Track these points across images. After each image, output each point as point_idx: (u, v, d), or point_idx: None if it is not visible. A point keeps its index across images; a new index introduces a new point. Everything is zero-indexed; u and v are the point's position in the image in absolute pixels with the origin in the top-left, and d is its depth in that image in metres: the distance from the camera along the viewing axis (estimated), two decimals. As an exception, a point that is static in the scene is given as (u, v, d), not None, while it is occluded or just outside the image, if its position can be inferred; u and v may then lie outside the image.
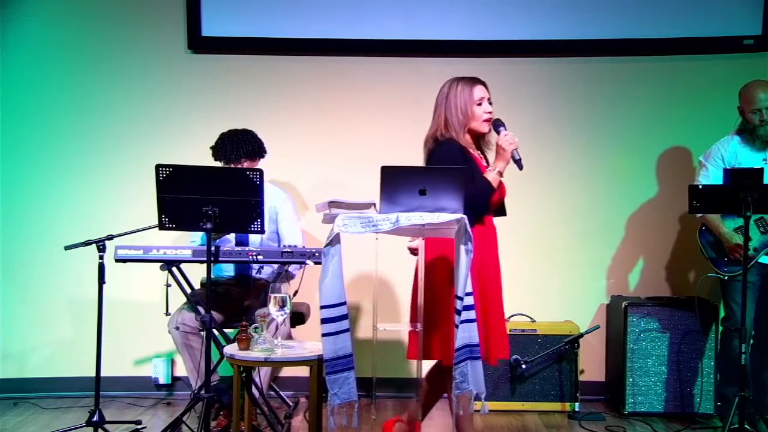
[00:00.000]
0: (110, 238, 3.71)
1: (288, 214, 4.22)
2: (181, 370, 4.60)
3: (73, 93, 4.72)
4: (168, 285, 3.71)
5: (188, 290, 3.80)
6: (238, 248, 3.77)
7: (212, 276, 3.48)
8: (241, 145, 4.06)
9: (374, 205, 3.08)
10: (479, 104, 3.32)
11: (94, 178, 4.72)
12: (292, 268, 3.98)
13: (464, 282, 2.97)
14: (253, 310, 3.83)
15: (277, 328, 3.53)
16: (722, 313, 4.21)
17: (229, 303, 4.06)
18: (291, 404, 4.35)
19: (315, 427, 3.26)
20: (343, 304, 2.99)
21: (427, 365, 3.35)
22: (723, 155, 4.08)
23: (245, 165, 4.05)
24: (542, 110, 4.72)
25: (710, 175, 4.08)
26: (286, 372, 4.66)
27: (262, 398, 3.81)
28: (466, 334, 3.02)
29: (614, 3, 4.63)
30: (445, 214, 2.97)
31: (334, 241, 2.95)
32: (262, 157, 4.15)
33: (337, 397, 2.99)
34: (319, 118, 4.73)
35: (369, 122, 4.73)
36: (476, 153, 3.38)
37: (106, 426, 3.74)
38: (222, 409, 3.97)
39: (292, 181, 4.71)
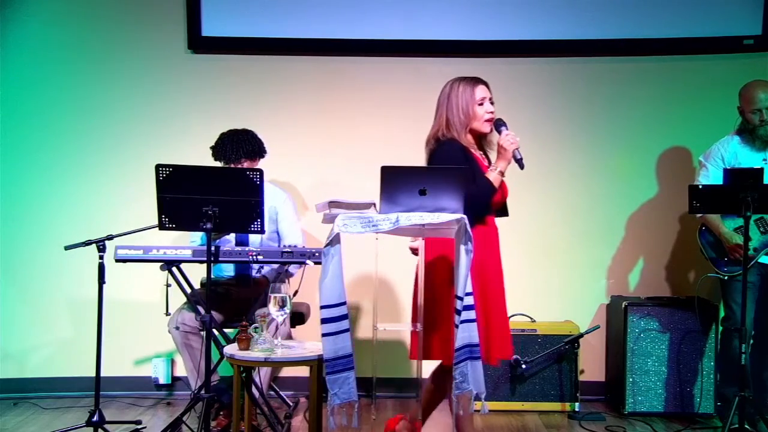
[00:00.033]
0: (110, 238, 3.71)
1: (288, 214, 4.22)
2: (181, 370, 4.59)
3: (73, 93, 4.72)
4: (168, 285, 3.71)
5: (188, 290, 3.80)
6: (238, 248, 3.77)
7: (212, 276, 3.48)
8: (241, 145, 4.06)
9: (374, 205, 3.08)
10: (481, 104, 3.32)
11: (94, 178, 4.72)
12: (291, 267, 3.98)
13: (464, 282, 2.97)
14: (253, 309, 3.82)
15: (277, 328, 3.53)
16: (722, 313, 4.21)
17: (229, 303, 4.06)
18: (291, 404, 4.35)
19: (315, 427, 3.26)
20: (343, 304, 2.99)
21: (428, 365, 3.34)
22: (723, 155, 4.08)
23: (245, 165, 4.05)
24: (542, 110, 4.72)
25: (710, 175, 4.08)
26: (286, 372, 4.66)
27: (262, 398, 3.81)
28: (466, 334, 3.01)
29: (614, 3, 4.63)
30: (445, 214, 2.97)
31: (334, 241, 2.95)
32: (262, 157, 4.15)
33: (337, 397, 2.98)
34: (319, 118, 4.73)
35: (369, 122, 4.73)
36: (478, 153, 3.38)
37: (106, 426, 3.75)
38: (222, 409, 3.97)
39: (292, 181, 4.71)
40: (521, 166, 3.26)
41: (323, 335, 2.98)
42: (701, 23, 4.61)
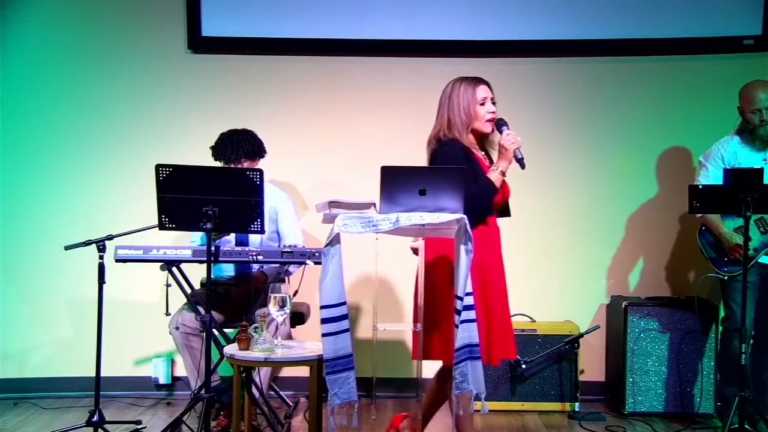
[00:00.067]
0: (110, 238, 3.71)
1: (288, 214, 4.22)
2: (181, 370, 4.59)
3: (73, 93, 4.72)
4: (168, 285, 3.71)
5: (188, 290, 3.80)
6: (238, 248, 3.77)
7: (212, 276, 3.48)
8: (241, 145, 4.06)
9: (374, 205, 3.08)
10: (482, 104, 3.31)
11: (94, 178, 4.72)
12: (290, 266, 3.97)
13: (464, 282, 2.97)
14: (253, 309, 3.82)
15: (277, 328, 3.53)
16: (722, 313, 4.21)
17: (229, 303, 4.06)
18: (291, 404, 4.35)
19: (315, 427, 3.26)
20: (343, 304, 2.99)
21: (428, 365, 3.34)
22: (723, 155, 4.08)
23: (245, 165, 4.05)
24: (542, 110, 4.72)
25: (710, 175, 4.08)
26: (286, 372, 4.66)
27: (262, 398, 3.81)
28: (466, 334, 3.01)
29: (614, 3, 4.63)
30: (445, 214, 2.97)
31: (334, 241, 2.95)
32: (262, 157, 4.15)
33: (337, 397, 2.98)
34: (319, 118, 4.73)
35: (369, 122, 4.73)
36: (480, 153, 3.37)
37: (106, 426, 3.75)
38: (222, 409, 3.97)
39: (291, 181, 4.71)
40: (522, 166, 3.26)
41: (323, 335, 2.98)
42: (701, 23, 4.61)
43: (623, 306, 4.37)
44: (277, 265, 3.89)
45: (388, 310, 4.65)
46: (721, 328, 4.22)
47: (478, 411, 3.19)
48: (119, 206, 4.66)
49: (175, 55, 4.71)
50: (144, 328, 4.63)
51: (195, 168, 3.44)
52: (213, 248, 3.54)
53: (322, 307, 2.98)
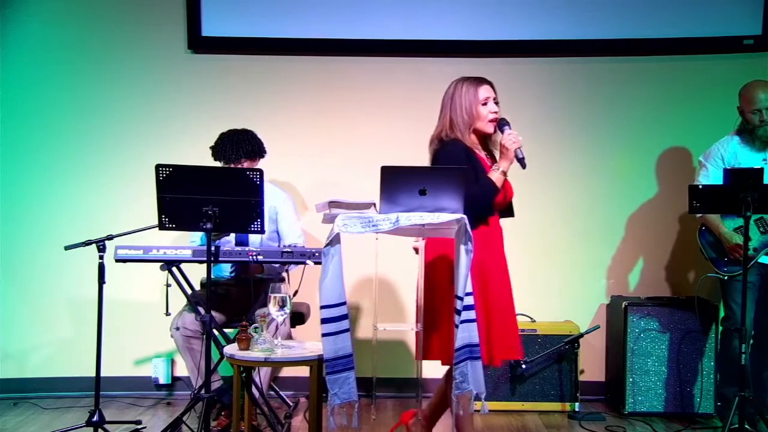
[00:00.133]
0: (110, 238, 3.71)
1: (288, 214, 4.22)
2: (181, 371, 4.60)
3: (73, 93, 4.72)
4: (168, 285, 3.71)
5: (188, 290, 3.80)
6: (238, 248, 3.77)
7: (212, 276, 3.47)
8: (241, 145, 4.06)
9: (374, 205, 3.08)
10: (484, 104, 3.31)
11: (94, 178, 4.72)
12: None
13: (464, 282, 2.97)
14: (253, 309, 3.82)
15: (277, 328, 3.53)
16: (722, 313, 4.21)
17: (229, 303, 4.06)
18: (291, 404, 4.35)
19: (315, 427, 3.26)
20: (343, 304, 2.99)
21: (428, 365, 3.34)
22: (723, 155, 4.08)
23: (245, 165, 4.05)
24: (542, 110, 4.72)
25: (710, 175, 4.08)
26: (286, 372, 4.66)
27: (262, 398, 3.81)
28: (466, 334, 3.01)
29: (614, 3, 4.63)
30: (445, 214, 2.97)
31: (334, 241, 2.95)
32: (262, 157, 4.15)
33: (337, 397, 2.99)
34: (319, 118, 4.73)
35: (369, 122, 4.73)
36: (482, 153, 3.37)
37: (106, 426, 3.75)
38: (222, 409, 3.97)
39: (291, 181, 4.71)
40: (523, 166, 3.25)
41: (323, 335, 2.98)
42: (701, 23, 4.61)
43: (623, 306, 4.37)
44: (277, 265, 3.90)
45: (388, 310, 4.65)
46: (721, 328, 4.22)
47: (478, 411, 3.19)
48: (119, 206, 4.66)
49: (175, 55, 4.71)
50: (144, 328, 4.63)
51: (195, 168, 3.44)
52: (213, 248, 3.54)
53: (322, 307, 2.98)
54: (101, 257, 3.65)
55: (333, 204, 3.08)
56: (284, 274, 4.01)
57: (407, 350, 4.70)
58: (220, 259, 3.70)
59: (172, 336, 3.94)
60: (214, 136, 4.12)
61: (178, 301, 3.93)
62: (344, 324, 2.99)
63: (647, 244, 4.74)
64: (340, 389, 2.99)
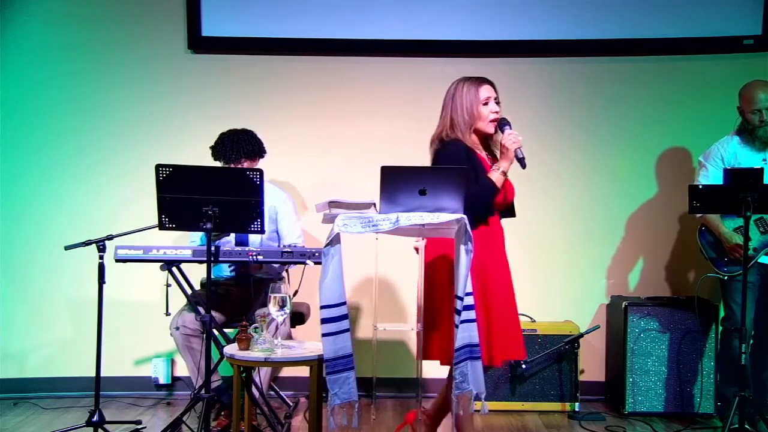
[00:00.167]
0: (110, 238, 3.71)
1: (288, 214, 4.22)
2: (181, 370, 4.60)
3: (73, 93, 4.72)
4: (168, 285, 3.71)
5: (188, 290, 3.80)
6: (238, 248, 3.77)
7: (212, 276, 3.47)
8: (241, 145, 4.06)
9: (374, 205, 3.08)
10: (485, 104, 3.30)
11: (94, 178, 4.72)
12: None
13: (464, 282, 2.97)
14: (253, 309, 3.82)
15: (277, 328, 3.53)
16: (722, 313, 4.21)
17: (229, 303, 4.06)
18: (291, 404, 4.35)
19: (315, 427, 3.26)
20: (343, 304, 2.99)
21: (428, 365, 3.34)
22: (723, 155, 4.08)
23: (245, 165, 4.05)
24: (542, 110, 4.72)
25: (710, 175, 4.08)
26: (286, 372, 4.66)
27: (262, 398, 3.81)
28: (466, 334, 3.01)
29: (614, 3, 4.63)
30: (445, 214, 2.97)
31: (334, 241, 2.95)
32: (262, 157, 4.15)
33: (337, 397, 2.98)
34: (319, 118, 4.73)
35: (369, 122, 4.73)
36: (483, 153, 3.36)
37: (106, 426, 3.75)
38: (222, 409, 3.97)
39: (291, 180, 4.71)
40: (523, 166, 3.25)
41: (323, 335, 2.98)
42: (701, 23, 4.61)
43: (623, 306, 4.37)
44: (277, 265, 3.89)
45: (388, 310, 4.65)
46: (721, 328, 4.22)
47: (478, 411, 3.19)
48: (119, 206, 4.66)
49: (175, 55, 4.71)
50: (144, 328, 4.63)
51: (195, 168, 3.44)
52: (213, 248, 3.54)
53: (322, 307, 2.98)
54: (101, 257, 3.65)
55: (333, 204, 3.08)
56: (284, 274, 4.02)
57: (407, 350, 4.70)
58: (220, 259, 3.70)
59: (171, 335, 3.94)
60: (214, 136, 4.12)
61: (178, 301, 3.93)
62: (344, 324, 2.99)
63: (647, 244, 4.74)
64: (340, 389, 2.99)
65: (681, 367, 4.32)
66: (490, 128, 3.32)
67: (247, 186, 3.36)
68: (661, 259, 4.74)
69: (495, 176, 3.23)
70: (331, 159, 4.73)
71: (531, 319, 4.43)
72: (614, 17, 4.63)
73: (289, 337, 3.99)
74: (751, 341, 4.06)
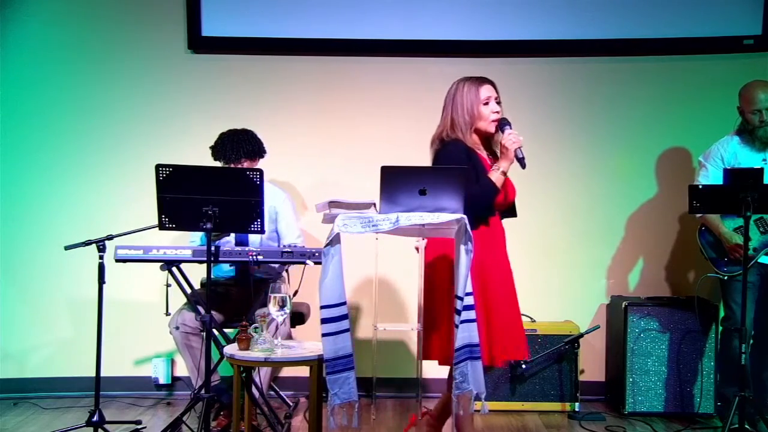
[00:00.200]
0: (110, 238, 3.71)
1: (287, 214, 4.22)
2: (181, 370, 4.60)
3: (73, 93, 4.72)
4: (168, 285, 3.71)
5: (188, 290, 3.80)
6: (238, 248, 3.77)
7: (212, 276, 3.47)
8: (241, 145, 4.06)
9: (374, 205, 3.08)
10: (486, 104, 3.30)
11: (94, 178, 4.72)
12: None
13: (464, 282, 2.97)
14: (253, 309, 3.82)
15: (277, 328, 3.53)
16: (722, 313, 4.21)
17: (229, 303, 4.06)
18: (291, 404, 4.35)
19: (315, 427, 3.26)
20: (343, 304, 2.99)
21: (428, 365, 3.34)
22: (723, 155, 4.08)
23: (245, 165, 4.05)
24: (542, 110, 4.72)
25: (710, 175, 4.08)
26: (286, 372, 4.66)
27: (262, 398, 3.81)
28: (466, 334, 3.01)
29: (614, 3, 4.63)
30: (445, 214, 2.97)
31: (334, 241, 2.95)
32: (262, 157, 4.15)
33: (337, 397, 2.99)
34: (319, 118, 4.73)
35: (369, 122, 4.73)
36: (484, 153, 3.36)
37: (106, 426, 3.75)
38: (222, 409, 3.97)
39: (291, 180, 4.71)
40: (522, 166, 3.25)
41: (323, 335, 2.98)
42: (701, 23, 4.61)
43: (623, 306, 4.37)
44: (277, 265, 3.89)
45: (388, 310, 4.65)
46: (721, 328, 4.22)
47: (478, 411, 3.19)
48: (119, 206, 4.66)
49: (175, 55, 4.71)
50: (144, 328, 4.63)
51: (195, 168, 3.44)
52: (213, 248, 3.54)
53: (322, 307, 2.98)
54: (101, 257, 3.65)
55: (333, 204, 3.08)
56: (284, 274, 4.02)
57: (407, 350, 4.70)
58: (220, 259, 3.70)
59: (170, 333, 3.94)
60: (214, 136, 4.12)
61: (178, 301, 3.93)
62: (344, 324, 2.99)
63: (647, 244, 4.74)
64: (340, 389, 2.99)
65: (681, 367, 4.32)
66: (491, 128, 3.32)
67: (247, 186, 3.36)
68: (661, 259, 4.74)
69: (495, 176, 3.23)
70: (331, 159, 4.73)
71: (531, 319, 4.43)
72: (614, 17, 4.63)
73: (289, 337, 3.99)
74: (751, 341, 4.06)
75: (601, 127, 4.74)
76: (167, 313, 3.79)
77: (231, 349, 3.31)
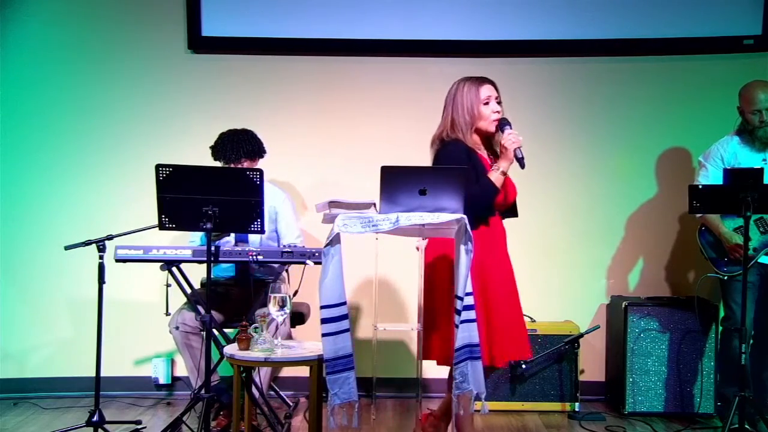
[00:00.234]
0: (110, 238, 3.71)
1: (287, 214, 4.22)
2: (181, 370, 4.60)
3: (73, 93, 4.72)
4: (168, 285, 3.71)
5: (188, 290, 3.80)
6: (238, 248, 3.77)
7: (212, 276, 3.47)
8: (241, 145, 4.06)
9: (374, 205, 3.08)
10: (486, 103, 3.30)
11: (94, 178, 4.72)
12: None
13: (464, 282, 2.97)
14: (253, 309, 3.82)
15: (277, 328, 3.53)
16: (722, 313, 4.21)
17: (229, 303, 4.06)
18: (291, 404, 4.35)
19: (315, 427, 3.26)
20: (343, 304, 2.99)
21: (428, 365, 3.34)
22: (722, 155, 4.08)
23: (245, 165, 4.05)
24: (542, 110, 4.72)
25: (710, 175, 4.08)
26: (286, 372, 4.66)
27: (262, 398, 3.81)
28: (466, 334, 3.01)
29: (614, 3, 4.63)
30: (444, 214, 2.97)
31: (334, 241, 2.95)
32: (262, 157, 4.15)
33: (337, 397, 2.99)
34: (319, 118, 4.73)
35: (369, 122, 4.73)
36: (484, 153, 3.36)
37: (106, 426, 3.75)
38: (222, 409, 3.97)
39: (291, 180, 4.71)
40: (522, 166, 3.25)
41: (323, 335, 2.98)
42: (701, 23, 4.61)
43: (623, 306, 4.37)
44: (277, 265, 3.90)
45: (388, 310, 4.65)
46: (721, 328, 4.22)
47: (478, 411, 3.19)
48: (119, 206, 4.66)
49: (175, 55, 4.71)
50: (144, 328, 4.63)
51: (195, 168, 3.44)
52: (213, 248, 3.54)
53: (322, 307, 2.98)
54: (101, 257, 3.65)
55: (333, 204, 3.08)
56: (284, 274, 4.02)
57: (407, 350, 4.70)
58: (220, 259, 3.70)
59: (170, 333, 3.94)
60: (214, 136, 4.12)
61: (178, 301, 3.93)
62: (344, 324, 2.99)
63: (647, 244, 4.74)
64: (340, 389, 2.99)
65: (681, 367, 4.32)
66: (491, 128, 3.32)
67: (247, 186, 3.36)
68: (661, 259, 4.74)
69: (494, 176, 3.23)
70: (331, 159, 4.73)
71: (531, 319, 4.43)
72: (614, 17, 4.63)
73: (289, 337, 3.99)
74: (751, 341, 4.06)
75: (601, 127, 4.74)
76: (167, 313, 3.80)
77: (231, 349, 3.31)
